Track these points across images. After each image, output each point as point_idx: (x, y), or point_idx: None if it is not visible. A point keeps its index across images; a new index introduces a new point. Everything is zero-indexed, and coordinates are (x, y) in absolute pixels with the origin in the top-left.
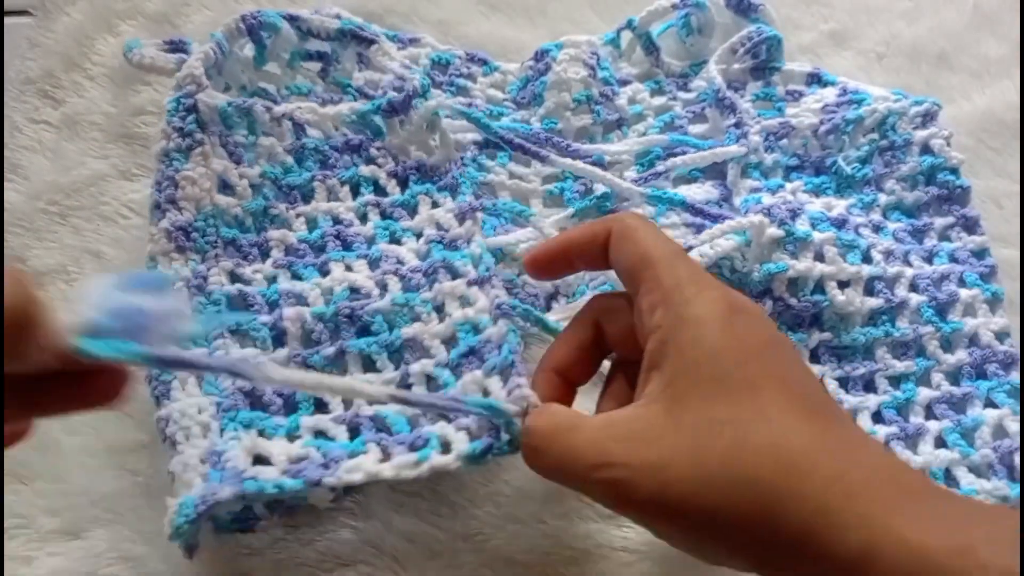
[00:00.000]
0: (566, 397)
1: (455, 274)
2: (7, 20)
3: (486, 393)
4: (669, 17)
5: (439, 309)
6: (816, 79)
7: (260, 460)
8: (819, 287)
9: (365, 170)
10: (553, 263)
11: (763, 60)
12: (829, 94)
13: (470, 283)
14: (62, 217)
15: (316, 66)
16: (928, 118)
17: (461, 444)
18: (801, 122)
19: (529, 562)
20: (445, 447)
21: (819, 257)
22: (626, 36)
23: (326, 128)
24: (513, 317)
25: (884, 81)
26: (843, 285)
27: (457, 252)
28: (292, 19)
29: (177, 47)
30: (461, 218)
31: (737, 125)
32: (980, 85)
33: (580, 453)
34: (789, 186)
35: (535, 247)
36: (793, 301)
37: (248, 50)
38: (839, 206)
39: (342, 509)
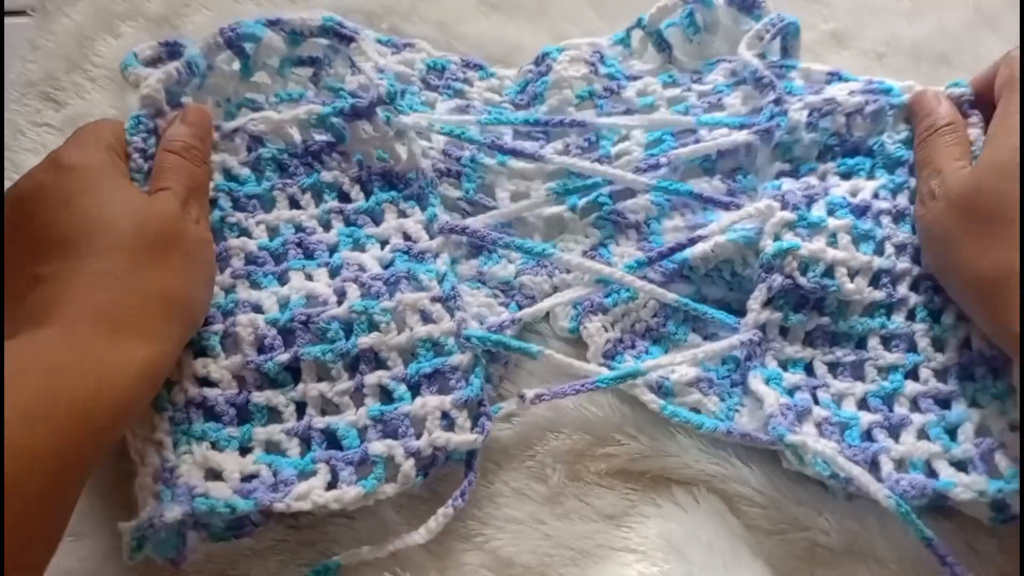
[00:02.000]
0: None
1: (418, 287)
2: (7, 21)
3: (450, 422)
4: (676, 14)
5: (399, 320)
6: (837, 77)
7: (212, 474)
8: (829, 272)
9: (327, 176)
10: None
11: (780, 60)
12: (855, 85)
13: (434, 299)
14: None
15: (308, 72)
16: (967, 105)
17: (408, 472)
18: (847, 99)
19: (529, 563)
20: (392, 472)
21: (832, 243)
22: (636, 35)
23: (284, 134)
24: (477, 348)
25: None
26: (853, 274)
27: (422, 264)
28: (274, 23)
29: (173, 48)
30: (432, 233)
31: (777, 102)
32: None
33: None
34: (821, 167)
35: None
36: (803, 280)
37: (236, 63)
38: (866, 188)
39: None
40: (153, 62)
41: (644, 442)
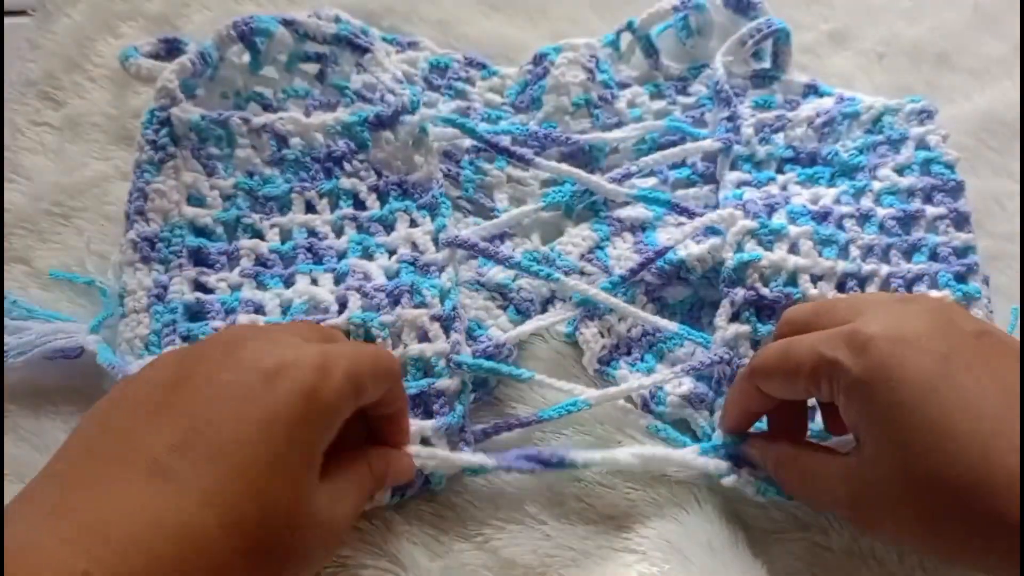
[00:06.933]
0: None
1: (420, 302)
2: (7, 21)
3: (427, 444)
4: (668, 18)
5: (395, 335)
6: (813, 90)
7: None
8: (792, 280)
9: (346, 183)
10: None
11: (767, 68)
12: (826, 103)
13: (433, 318)
14: (65, 218)
15: (314, 68)
16: (925, 116)
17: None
18: (797, 115)
19: (531, 563)
20: None
21: (794, 250)
22: (625, 38)
23: (309, 138)
24: (466, 373)
25: (884, 81)
26: (816, 279)
27: (426, 279)
28: (288, 23)
29: (172, 45)
30: (439, 244)
31: (730, 118)
32: (980, 85)
33: None
34: (781, 178)
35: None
36: (765, 291)
37: (245, 56)
38: (827, 196)
39: None
40: (152, 57)
41: (645, 442)
